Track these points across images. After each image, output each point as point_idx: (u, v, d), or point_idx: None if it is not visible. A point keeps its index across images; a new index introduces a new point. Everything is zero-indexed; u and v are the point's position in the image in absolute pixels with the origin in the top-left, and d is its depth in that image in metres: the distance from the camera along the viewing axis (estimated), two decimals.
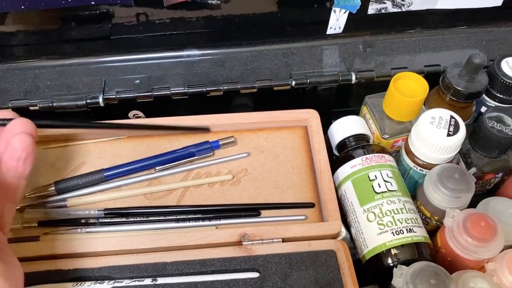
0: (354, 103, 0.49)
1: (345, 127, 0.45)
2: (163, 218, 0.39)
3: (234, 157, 0.43)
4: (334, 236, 0.39)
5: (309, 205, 0.41)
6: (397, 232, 0.37)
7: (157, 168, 0.42)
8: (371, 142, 0.45)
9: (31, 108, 0.45)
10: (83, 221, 0.39)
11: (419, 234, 0.38)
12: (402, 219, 0.38)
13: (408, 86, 0.43)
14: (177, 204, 0.40)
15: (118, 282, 0.35)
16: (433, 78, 0.45)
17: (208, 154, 0.42)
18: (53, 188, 0.40)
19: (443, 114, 0.40)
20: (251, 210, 0.40)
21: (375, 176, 0.40)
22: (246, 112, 0.45)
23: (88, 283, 0.35)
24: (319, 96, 0.47)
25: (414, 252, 0.37)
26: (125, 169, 0.41)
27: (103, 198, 0.41)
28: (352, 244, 0.41)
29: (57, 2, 0.42)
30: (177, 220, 0.39)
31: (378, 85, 0.47)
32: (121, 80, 0.46)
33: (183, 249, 0.37)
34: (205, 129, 0.39)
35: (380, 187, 0.39)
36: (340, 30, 0.48)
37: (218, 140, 0.43)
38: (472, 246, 0.35)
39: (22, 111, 0.45)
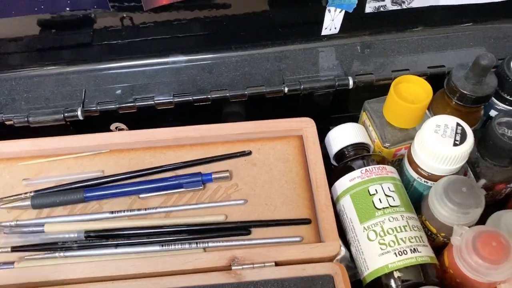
0: (353, 108, 0.46)
1: (343, 135, 0.41)
2: (147, 240, 0.36)
3: (228, 204, 0.39)
4: (332, 258, 0.36)
5: (305, 222, 0.38)
6: (400, 253, 0.34)
7: (141, 196, 0.39)
8: (371, 151, 0.42)
9: (6, 123, 0.42)
10: (60, 244, 0.36)
11: (425, 254, 0.35)
12: (405, 238, 0.35)
13: (410, 91, 0.40)
14: (162, 224, 0.37)
15: None
16: (437, 79, 0.42)
17: (197, 188, 0.39)
18: (29, 203, 0.38)
19: (449, 121, 0.37)
20: (241, 229, 0.37)
21: (376, 190, 0.37)
22: (236, 121, 0.42)
23: None
24: (315, 102, 0.44)
25: (419, 275, 0.34)
26: (106, 192, 0.39)
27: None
28: (352, 263, 0.38)
29: (29, 9, 0.39)
30: (162, 244, 0.36)
31: (378, 88, 0.44)
32: (102, 90, 0.43)
33: (168, 275, 0.35)
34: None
35: (381, 202, 0.36)
36: (336, 31, 0.45)
37: (211, 173, 0.39)
38: (483, 268, 0.32)
39: None
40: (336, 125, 0.43)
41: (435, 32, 0.46)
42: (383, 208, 0.36)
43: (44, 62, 0.45)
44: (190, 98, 0.43)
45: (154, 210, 0.38)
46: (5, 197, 0.39)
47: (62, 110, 0.41)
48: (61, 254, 0.36)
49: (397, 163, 0.43)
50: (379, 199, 0.36)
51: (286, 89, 0.42)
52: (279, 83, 0.43)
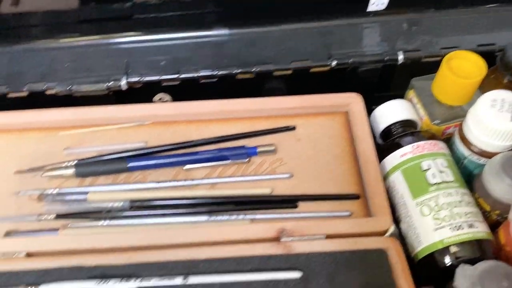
0: (397, 88, 0.45)
1: (391, 112, 0.40)
2: (193, 210, 0.36)
3: (273, 177, 0.38)
4: (382, 233, 0.35)
5: (353, 197, 0.37)
6: (456, 228, 0.33)
7: (185, 167, 0.38)
8: (419, 129, 0.41)
9: (47, 92, 0.41)
10: (105, 213, 0.36)
11: (481, 230, 0.34)
12: (461, 213, 0.34)
13: (463, 67, 0.39)
14: (208, 195, 0.37)
15: (145, 280, 0.32)
16: (487, 58, 0.41)
17: (242, 160, 0.38)
18: (73, 170, 0.37)
19: (506, 96, 0.36)
20: (288, 202, 0.37)
21: (429, 165, 0.36)
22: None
23: (113, 280, 0.32)
24: (359, 79, 0.43)
25: (476, 250, 0.33)
26: (151, 162, 0.38)
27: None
28: (400, 240, 0.37)
29: None
30: (210, 214, 0.36)
31: (425, 66, 0.43)
32: (145, 62, 0.43)
33: (216, 244, 0.34)
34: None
35: (434, 177, 0.35)
36: (384, 6, 0.44)
37: (256, 147, 0.39)
38: None
39: (39, 96, 0.42)
40: (379, 104, 0.42)
41: (484, 11, 0.45)
42: (437, 183, 0.35)
43: (85, 33, 0.44)
44: (234, 72, 0.42)
45: (199, 181, 0.37)
46: (48, 165, 0.38)
47: (106, 79, 0.40)
48: (106, 222, 0.36)
49: (445, 142, 0.42)
50: (432, 174, 0.35)
51: (334, 63, 0.41)
52: (325, 57, 0.42)
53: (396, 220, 0.37)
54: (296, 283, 0.32)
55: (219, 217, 0.36)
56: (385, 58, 0.42)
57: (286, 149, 0.40)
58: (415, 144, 0.37)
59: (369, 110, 0.43)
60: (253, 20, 0.44)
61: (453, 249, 0.33)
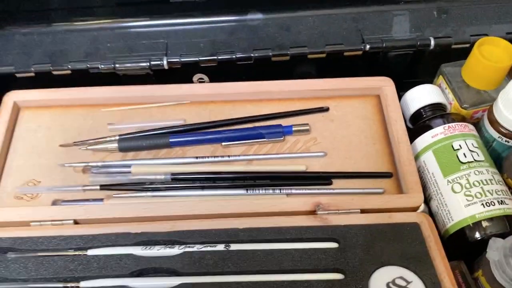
0: (425, 74, 0.46)
1: (421, 95, 0.42)
2: (232, 184, 0.37)
3: (308, 155, 0.39)
4: (414, 210, 0.36)
5: (387, 175, 0.38)
6: (487, 204, 0.34)
7: (223, 144, 0.40)
8: (448, 112, 0.42)
9: (91, 71, 0.43)
10: (148, 185, 0.37)
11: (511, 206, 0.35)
12: (492, 190, 0.35)
13: (493, 52, 0.40)
14: (246, 170, 0.38)
15: (189, 247, 0.33)
16: None
17: (278, 139, 0.40)
18: (116, 145, 0.39)
19: None
20: (323, 179, 0.38)
21: (460, 145, 0.37)
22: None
23: (157, 247, 0.33)
24: (389, 64, 0.45)
25: (506, 225, 0.34)
26: (191, 138, 0.40)
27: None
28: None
29: None
30: (247, 188, 0.37)
31: (453, 54, 0.44)
32: (183, 43, 0.44)
33: (255, 216, 0.35)
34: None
35: (466, 157, 0.37)
36: None
37: (292, 126, 0.40)
38: None
39: (82, 74, 0.43)
40: (407, 91, 0.44)
41: None
42: (468, 162, 0.36)
43: (125, 15, 0.46)
44: (269, 54, 0.43)
45: (237, 157, 0.39)
46: (92, 139, 0.40)
47: (148, 58, 0.42)
48: (149, 194, 0.37)
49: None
50: (464, 153, 0.37)
51: (367, 47, 0.43)
52: (358, 42, 0.43)
53: (425, 200, 0.38)
54: (333, 253, 0.33)
55: (256, 191, 0.37)
56: (417, 43, 0.43)
57: (320, 129, 0.41)
58: (447, 125, 0.38)
59: (399, 96, 0.44)
60: (286, 6, 0.46)
61: (484, 224, 0.34)
